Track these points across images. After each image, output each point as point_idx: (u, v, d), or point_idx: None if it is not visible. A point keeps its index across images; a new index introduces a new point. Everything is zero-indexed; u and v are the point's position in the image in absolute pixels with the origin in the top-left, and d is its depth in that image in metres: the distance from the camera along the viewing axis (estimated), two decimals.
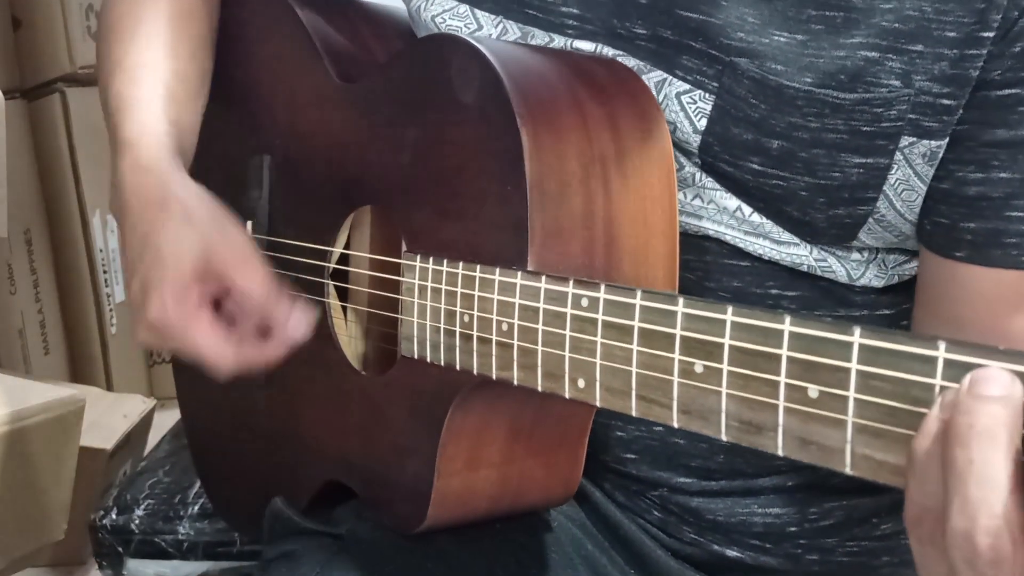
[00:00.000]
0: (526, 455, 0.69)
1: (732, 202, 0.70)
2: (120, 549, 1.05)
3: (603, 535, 0.79)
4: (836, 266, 0.71)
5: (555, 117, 0.62)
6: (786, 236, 0.70)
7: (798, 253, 0.71)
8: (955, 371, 0.38)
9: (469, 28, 0.74)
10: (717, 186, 0.70)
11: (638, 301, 0.50)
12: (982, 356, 0.38)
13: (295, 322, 0.71)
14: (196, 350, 0.69)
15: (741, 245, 0.71)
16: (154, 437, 1.55)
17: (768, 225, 0.70)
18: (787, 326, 0.44)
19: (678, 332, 0.48)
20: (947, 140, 0.65)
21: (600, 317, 0.52)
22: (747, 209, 0.70)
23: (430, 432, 0.66)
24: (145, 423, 1.63)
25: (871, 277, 0.73)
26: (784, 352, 0.44)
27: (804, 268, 0.71)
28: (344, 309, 0.80)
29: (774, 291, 0.72)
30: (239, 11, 0.88)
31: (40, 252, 1.84)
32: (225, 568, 1.04)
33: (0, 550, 1.23)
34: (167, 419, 1.44)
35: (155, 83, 0.79)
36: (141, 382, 1.98)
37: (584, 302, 0.54)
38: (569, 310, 0.55)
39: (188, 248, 0.70)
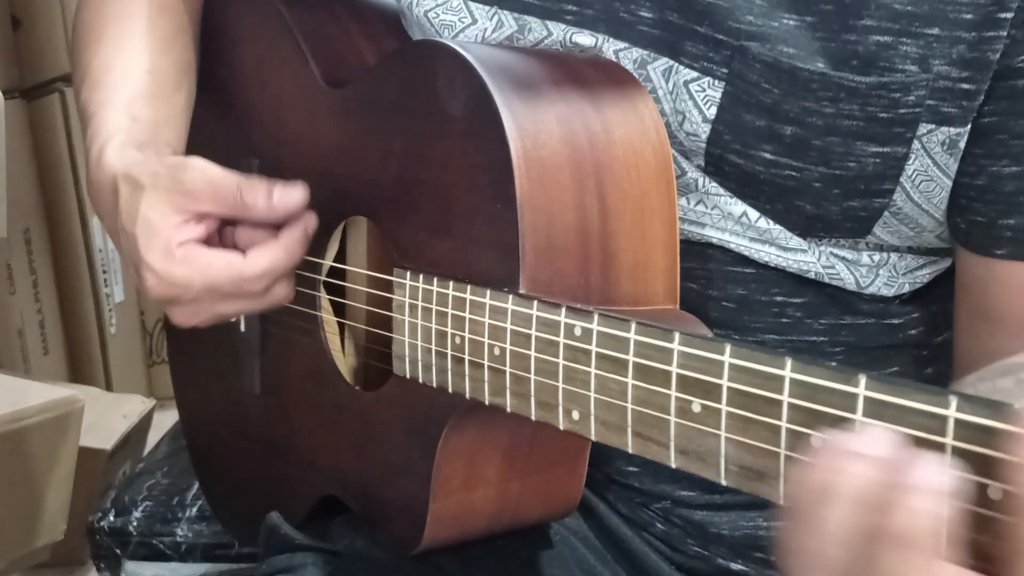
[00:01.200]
0: (525, 473, 0.68)
1: (738, 207, 0.68)
2: (118, 551, 1.05)
3: (606, 548, 0.78)
4: (844, 273, 0.70)
5: (546, 130, 0.60)
6: (793, 242, 0.69)
7: (805, 260, 0.69)
8: (967, 431, 0.36)
9: (463, 22, 0.71)
10: (722, 191, 0.68)
11: (632, 336, 0.48)
12: (993, 417, 0.36)
13: (280, 194, 0.68)
14: (208, 280, 0.67)
15: (746, 252, 0.69)
16: (153, 437, 1.55)
17: (775, 231, 0.68)
18: (788, 372, 0.42)
19: (674, 369, 0.47)
20: (968, 127, 0.63)
21: (594, 349, 0.51)
22: (753, 214, 0.68)
23: (424, 453, 0.65)
24: (144, 423, 1.63)
25: (880, 285, 0.71)
26: (785, 399, 0.42)
27: (811, 275, 0.70)
28: (339, 321, 0.80)
29: (779, 298, 0.71)
30: (226, 12, 0.87)
31: (39, 252, 1.84)
32: (223, 570, 1.04)
33: (0, 550, 1.24)
34: (166, 419, 1.44)
35: (119, 83, 0.77)
36: (140, 382, 1.98)
37: (577, 331, 0.52)
38: (562, 339, 0.53)
39: (145, 209, 0.68)
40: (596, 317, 0.51)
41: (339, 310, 0.80)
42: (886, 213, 0.67)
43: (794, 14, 0.63)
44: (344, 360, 0.79)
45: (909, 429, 0.37)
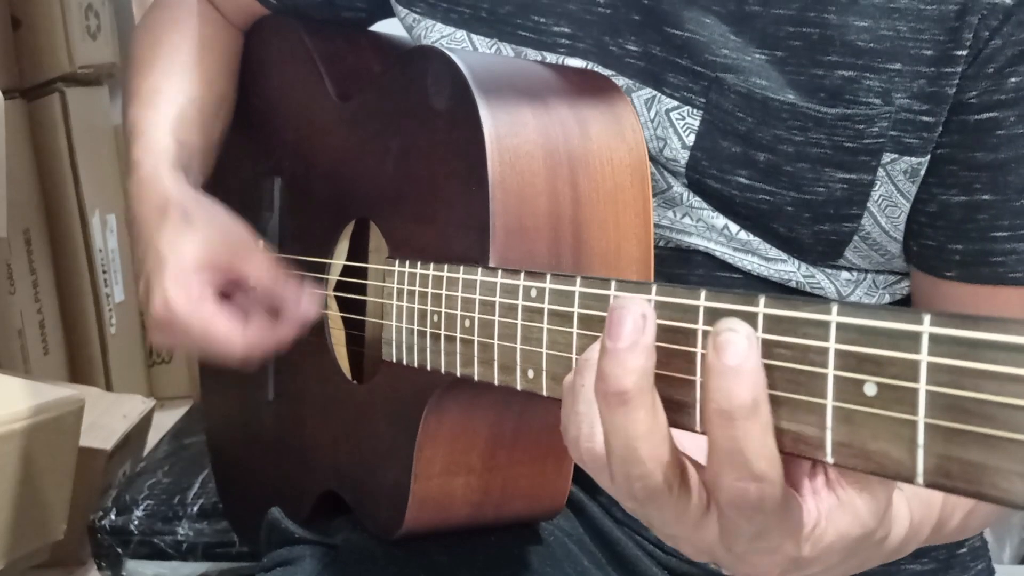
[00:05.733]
0: (509, 463, 0.69)
1: (720, 220, 0.70)
2: (119, 550, 1.05)
3: (599, 551, 0.78)
4: (825, 283, 0.72)
5: (521, 119, 0.63)
6: (774, 252, 0.71)
7: (786, 269, 0.71)
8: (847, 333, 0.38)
9: None
10: (704, 205, 0.70)
11: (577, 288, 0.50)
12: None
13: (306, 300, 0.74)
14: (204, 334, 0.71)
15: (730, 261, 0.71)
16: (154, 437, 1.55)
17: (756, 242, 0.71)
18: (702, 301, 0.43)
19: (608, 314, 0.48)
20: (928, 157, 0.66)
21: (546, 306, 0.52)
22: (734, 227, 0.70)
23: (408, 436, 0.67)
24: (145, 423, 1.63)
25: (861, 295, 0.73)
26: (700, 327, 0.43)
27: (792, 284, 0.72)
28: (346, 321, 0.81)
29: None
30: (257, 44, 0.92)
31: (39, 252, 1.84)
32: (224, 569, 1.04)
33: (0, 550, 1.24)
34: (167, 419, 1.44)
35: (166, 107, 0.83)
36: (141, 382, 1.98)
37: (533, 292, 0.54)
38: (520, 302, 0.54)
39: (187, 244, 0.73)
40: (548, 277, 0.52)
41: (352, 311, 0.81)
42: (856, 238, 0.69)
43: (765, 49, 0.66)
44: (347, 357, 0.80)
45: (798, 338, 0.39)
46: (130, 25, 1.94)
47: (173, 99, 0.84)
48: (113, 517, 1.05)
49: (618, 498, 0.44)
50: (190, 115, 0.84)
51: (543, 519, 0.75)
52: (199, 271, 0.72)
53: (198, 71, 0.87)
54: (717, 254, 0.71)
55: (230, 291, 0.74)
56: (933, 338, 0.35)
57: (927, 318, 0.35)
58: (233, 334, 0.72)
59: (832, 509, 0.43)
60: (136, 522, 1.05)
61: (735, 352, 0.38)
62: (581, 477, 0.78)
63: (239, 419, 0.96)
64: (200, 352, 0.74)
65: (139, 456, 1.54)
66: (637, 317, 0.41)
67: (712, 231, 0.71)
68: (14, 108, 1.76)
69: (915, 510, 0.50)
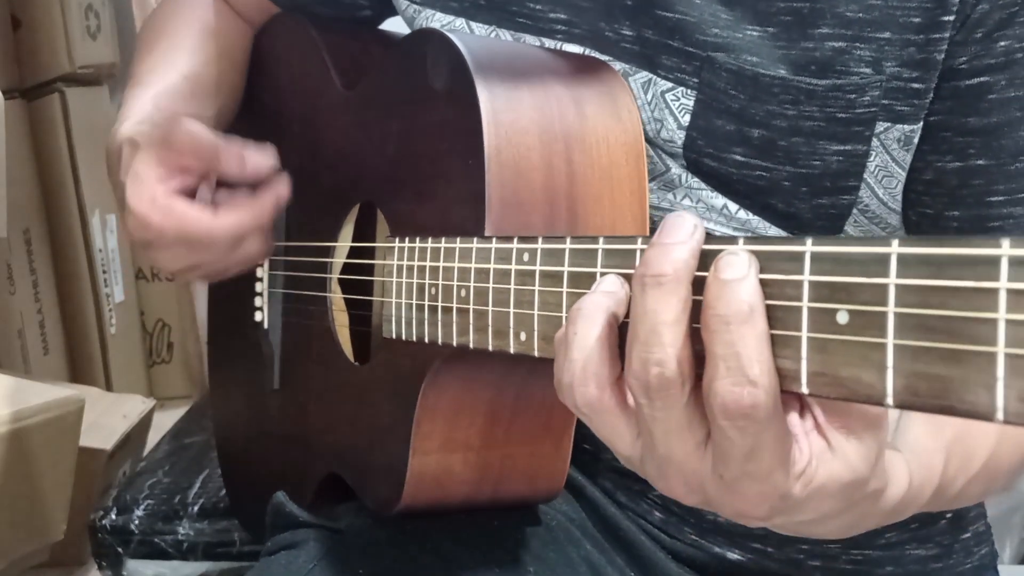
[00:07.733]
0: (507, 442, 0.70)
1: (719, 200, 0.71)
2: (120, 549, 1.05)
3: (603, 536, 0.79)
4: None
5: (517, 96, 0.64)
6: (774, 231, 0.72)
7: None
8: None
9: None
10: (703, 185, 0.71)
11: (567, 246, 0.51)
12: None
13: (252, 160, 0.76)
14: (181, 229, 0.74)
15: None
16: (154, 437, 1.55)
17: (755, 221, 0.71)
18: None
19: (599, 270, 0.49)
20: (920, 124, 0.66)
21: (537, 268, 0.53)
22: (733, 206, 0.71)
23: (406, 411, 0.68)
24: (145, 423, 1.63)
25: None
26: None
27: None
28: (352, 304, 0.82)
29: None
30: (267, 42, 0.93)
31: (39, 252, 1.84)
32: (225, 568, 1.04)
33: (0, 550, 1.24)
34: (167, 419, 1.44)
35: (156, 82, 0.84)
36: (141, 382, 1.98)
37: (525, 256, 0.54)
38: (513, 266, 0.55)
39: (139, 164, 0.75)
40: (540, 239, 0.53)
41: (356, 294, 0.82)
42: (855, 211, 0.70)
43: (757, 26, 0.67)
44: (351, 340, 0.81)
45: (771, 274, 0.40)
46: (130, 25, 1.94)
47: (165, 75, 0.85)
48: (113, 517, 1.05)
49: (629, 395, 0.44)
50: (180, 88, 0.85)
51: (541, 501, 0.75)
52: (153, 180, 0.74)
53: (198, 52, 0.88)
54: (716, 235, 0.71)
55: (193, 185, 0.77)
56: (901, 259, 0.36)
57: (895, 241, 0.36)
58: (205, 218, 0.74)
59: (822, 451, 0.43)
60: (136, 522, 1.05)
61: (735, 269, 0.40)
62: (581, 461, 0.78)
63: (246, 411, 0.96)
64: (195, 255, 0.76)
65: (139, 456, 1.54)
66: (688, 225, 0.42)
67: (712, 212, 0.71)
68: (14, 108, 1.76)
69: (915, 472, 0.51)
